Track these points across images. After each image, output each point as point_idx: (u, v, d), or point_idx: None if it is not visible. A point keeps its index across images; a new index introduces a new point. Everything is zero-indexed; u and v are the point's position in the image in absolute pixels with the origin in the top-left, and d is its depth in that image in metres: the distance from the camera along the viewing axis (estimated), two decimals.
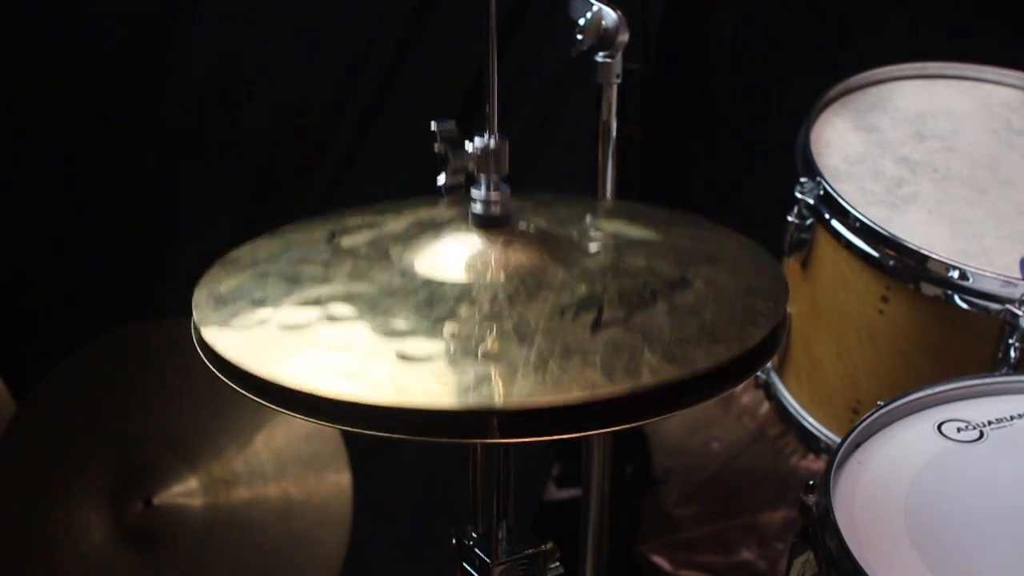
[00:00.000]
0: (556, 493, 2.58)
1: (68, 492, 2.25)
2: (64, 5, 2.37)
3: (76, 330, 2.39)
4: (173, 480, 2.25)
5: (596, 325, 1.16)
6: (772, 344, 1.24)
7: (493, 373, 1.10)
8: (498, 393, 1.08)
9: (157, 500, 2.24)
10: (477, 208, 1.28)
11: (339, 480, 2.30)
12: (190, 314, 1.24)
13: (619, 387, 1.09)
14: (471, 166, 1.26)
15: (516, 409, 1.08)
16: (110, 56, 2.41)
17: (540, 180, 2.38)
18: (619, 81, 1.76)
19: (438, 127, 1.24)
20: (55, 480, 2.26)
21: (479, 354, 1.12)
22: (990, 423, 1.46)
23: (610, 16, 1.70)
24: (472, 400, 1.08)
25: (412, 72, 2.47)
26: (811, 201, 1.84)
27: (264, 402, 1.14)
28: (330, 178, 2.51)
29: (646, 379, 1.10)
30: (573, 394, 1.08)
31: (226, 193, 2.49)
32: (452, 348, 1.13)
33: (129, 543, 2.25)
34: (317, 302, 1.21)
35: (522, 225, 1.30)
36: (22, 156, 2.45)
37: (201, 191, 2.50)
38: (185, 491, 2.25)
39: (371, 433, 1.11)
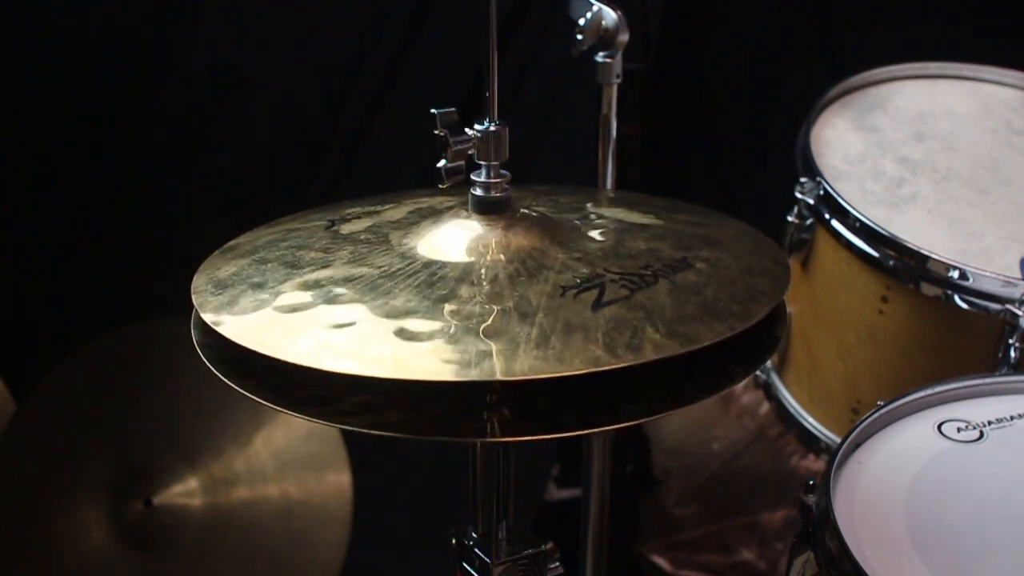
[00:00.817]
0: (556, 493, 2.58)
1: (68, 492, 2.25)
2: (65, 4, 2.37)
3: (76, 330, 2.39)
4: (173, 480, 2.25)
5: (598, 303, 1.15)
6: (772, 340, 1.24)
7: (494, 349, 1.09)
8: (499, 368, 1.07)
9: (157, 500, 2.24)
10: (478, 191, 1.28)
11: (339, 480, 2.30)
12: (190, 314, 1.24)
13: (622, 361, 1.08)
14: (471, 151, 1.26)
15: (518, 382, 1.07)
16: (111, 54, 2.40)
17: (540, 180, 2.38)
18: (619, 81, 1.76)
19: (439, 112, 1.24)
20: (55, 480, 2.26)
21: (480, 331, 1.11)
22: (990, 423, 1.46)
23: (610, 16, 1.70)
24: (474, 374, 1.07)
25: (412, 71, 2.46)
26: (811, 201, 1.84)
27: (263, 400, 1.14)
28: (331, 178, 2.51)
29: (649, 354, 1.09)
30: (575, 368, 1.07)
31: (227, 193, 2.49)
32: (453, 326, 1.12)
33: (129, 543, 2.25)
34: (317, 285, 1.21)
35: (522, 210, 1.30)
36: (22, 156, 2.45)
37: (202, 190, 2.50)
38: (185, 491, 2.24)
39: (371, 432, 1.11)
